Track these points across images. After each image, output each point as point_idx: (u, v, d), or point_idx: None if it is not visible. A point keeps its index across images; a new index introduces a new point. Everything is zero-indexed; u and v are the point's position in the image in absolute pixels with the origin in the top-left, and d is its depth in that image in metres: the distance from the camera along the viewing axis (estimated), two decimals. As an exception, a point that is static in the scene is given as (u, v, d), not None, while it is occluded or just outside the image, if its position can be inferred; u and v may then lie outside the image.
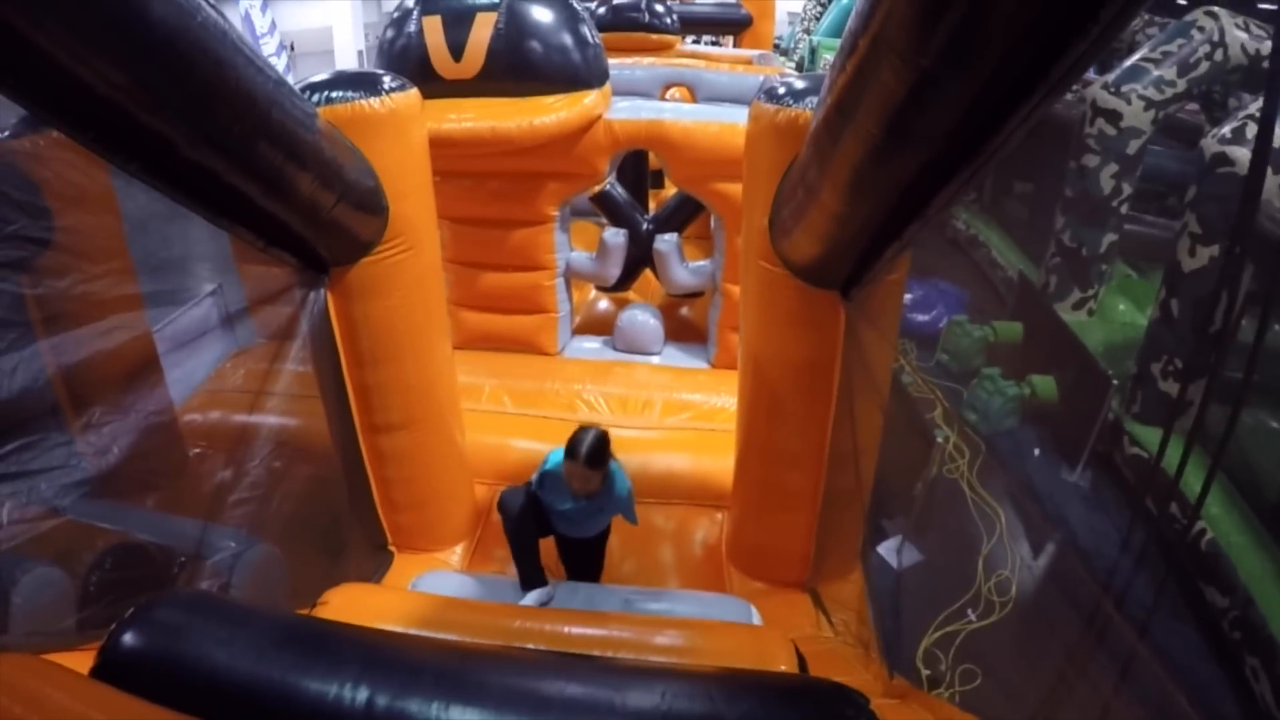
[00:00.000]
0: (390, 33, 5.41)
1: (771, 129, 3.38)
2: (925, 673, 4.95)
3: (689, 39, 12.58)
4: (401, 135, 3.66)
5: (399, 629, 2.80)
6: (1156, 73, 7.92)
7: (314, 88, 3.43)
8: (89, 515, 3.92)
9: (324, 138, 3.06)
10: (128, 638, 2.06)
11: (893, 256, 2.93)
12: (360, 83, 3.53)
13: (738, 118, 5.40)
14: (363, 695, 1.86)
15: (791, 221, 3.21)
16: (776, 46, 15.65)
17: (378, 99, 3.50)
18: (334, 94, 3.44)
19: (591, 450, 3.81)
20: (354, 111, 3.45)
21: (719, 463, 4.96)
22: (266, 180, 2.85)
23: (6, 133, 3.82)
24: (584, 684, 1.96)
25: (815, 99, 3.17)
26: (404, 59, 5.17)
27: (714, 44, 15.28)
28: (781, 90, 3.38)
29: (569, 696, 1.90)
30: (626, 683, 1.96)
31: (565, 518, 4.24)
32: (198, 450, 5.14)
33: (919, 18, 1.73)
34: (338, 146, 3.22)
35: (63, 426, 3.92)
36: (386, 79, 3.59)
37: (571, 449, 3.82)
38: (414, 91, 3.71)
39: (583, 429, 3.91)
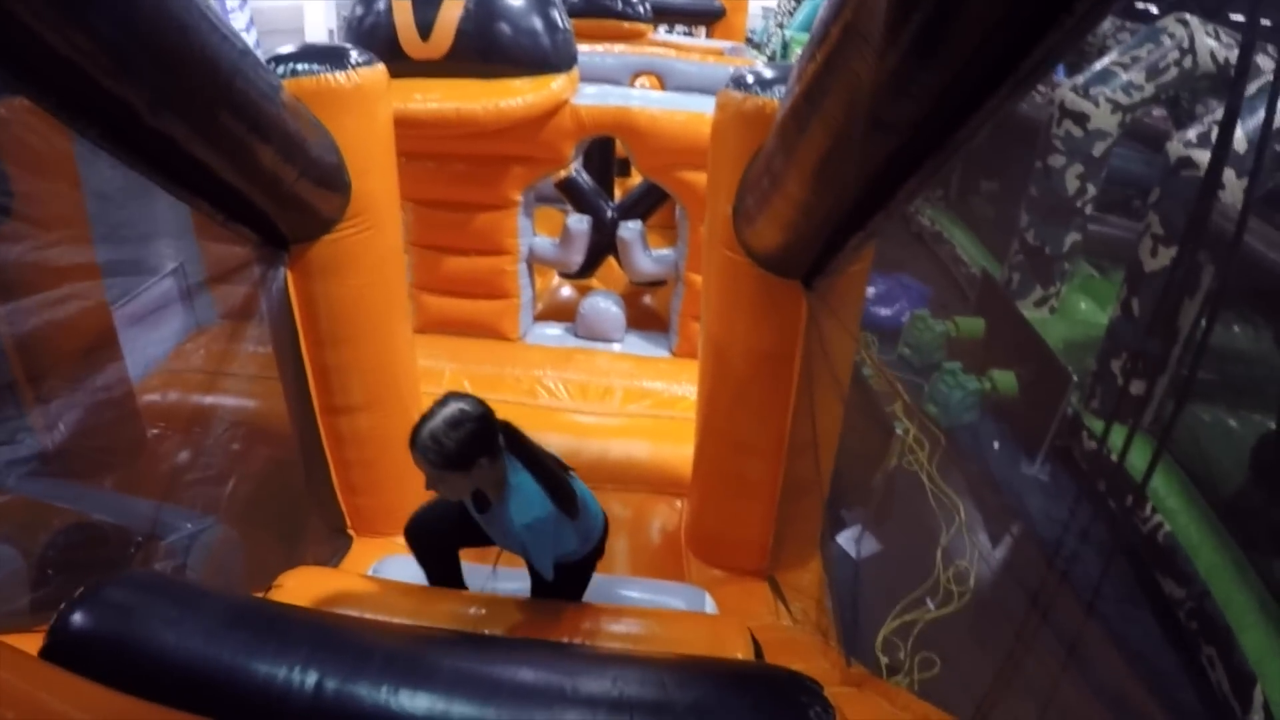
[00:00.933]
0: (359, 10, 5.35)
1: (738, 117, 3.36)
2: (884, 660, 4.99)
3: (661, 28, 12.51)
4: (367, 111, 3.61)
5: (354, 613, 2.78)
6: (1125, 77, 7.99)
7: (279, 60, 3.38)
8: (42, 493, 3.87)
9: (288, 110, 3.01)
10: (76, 618, 2.03)
11: (856, 247, 2.92)
12: (326, 56, 3.47)
13: (706, 107, 5.39)
14: (311, 678, 1.84)
15: (755, 210, 3.20)
16: (750, 40, 15.66)
17: (344, 73, 3.45)
18: (299, 66, 3.39)
19: (436, 436, 2.61)
20: (319, 85, 3.40)
21: (679, 451, 4.96)
22: (227, 151, 2.80)
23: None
24: (536, 669, 1.95)
25: (783, 88, 3.17)
26: (372, 37, 5.11)
27: (686, 34, 15.21)
28: (750, 79, 3.36)
29: (520, 681, 1.89)
30: (579, 668, 1.95)
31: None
32: (156, 430, 5.10)
33: (891, 7, 1.72)
34: (301, 120, 3.17)
35: (15, 400, 3.86)
36: (353, 53, 3.55)
37: (414, 427, 2.66)
38: (381, 67, 3.67)
39: (447, 396, 2.75)
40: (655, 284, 6.80)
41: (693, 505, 4.67)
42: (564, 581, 3.18)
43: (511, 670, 1.93)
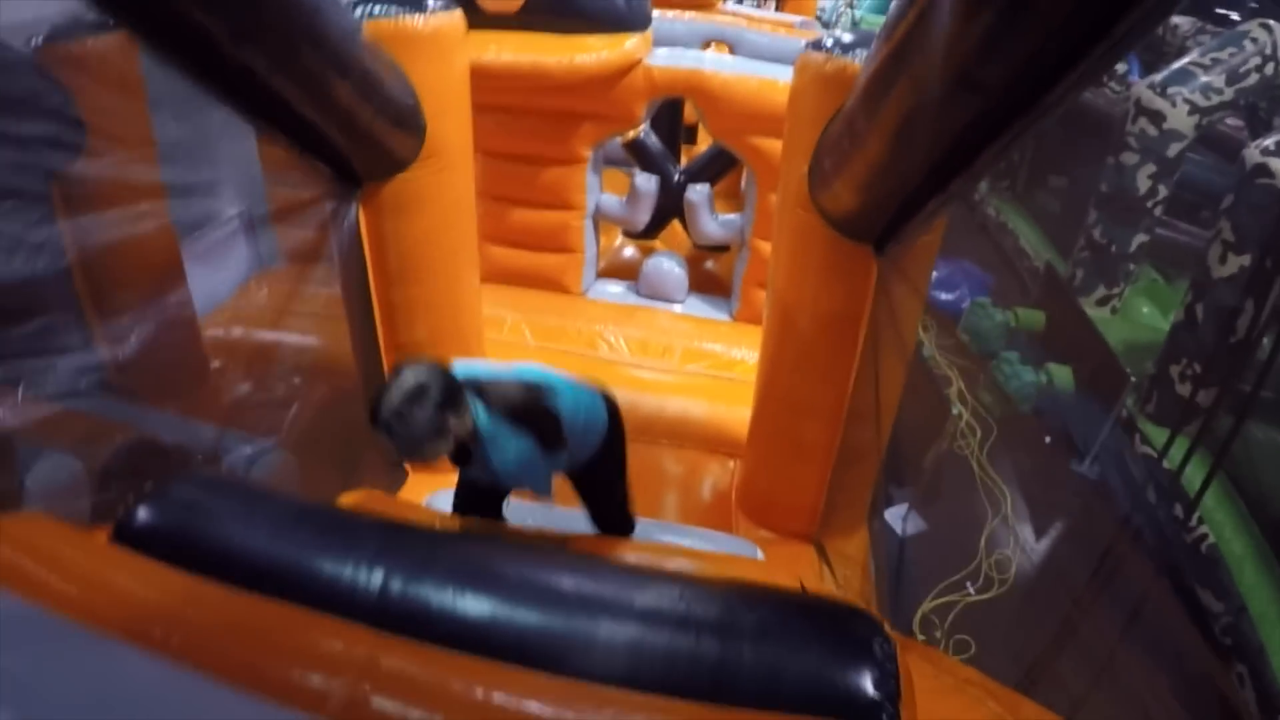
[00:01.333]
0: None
1: (819, 78, 3.35)
2: (920, 638, 4.98)
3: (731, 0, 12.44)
4: (443, 56, 3.65)
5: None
6: (1204, 79, 7.82)
7: (359, 1, 3.41)
8: (105, 410, 3.94)
9: (366, 50, 3.05)
10: (142, 512, 2.06)
11: (933, 211, 2.90)
12: (404, 0, 3.50)
13: (778, 74, 5.40)
14: (378, 577, 1.86)
15: (832, 171, 3.18)
16: (819, 18, 15.54)
17: (421, 17, 3.48)
18: (377, 9, 3.42)
19: (398, 414, 2.50)
20: (397, 28, 3.43)
21: (734, 412, 4.99)
22: (306, 86, 2.84)
23: (41, 38, 3.82)
24: (601, 582, 1.96)
25: (863, 52, 3.17)
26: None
27: (756, 7, 15.11)
28: (829, 42, 3.36)
29: (585, 593, 1.90)
30: (644, 584, 1.96)
31: None
32: (218, 364, 5.19)
33: None
34: (379, 61, 3.20)
35: (81, 317, 3.92)
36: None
37: (371, 405, 2.54)
38: (458, 13, 3.70)
39: (398, 367, 2.63)
40: (717, 249, 6.80)
41: (746, 465, 4.68)
42: (599, 488, 3.34)
43: (577, 581, 1.94)
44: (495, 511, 3.43)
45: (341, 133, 3.20)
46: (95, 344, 3.91)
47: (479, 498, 3.36)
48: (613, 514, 3.48)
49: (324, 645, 1.66)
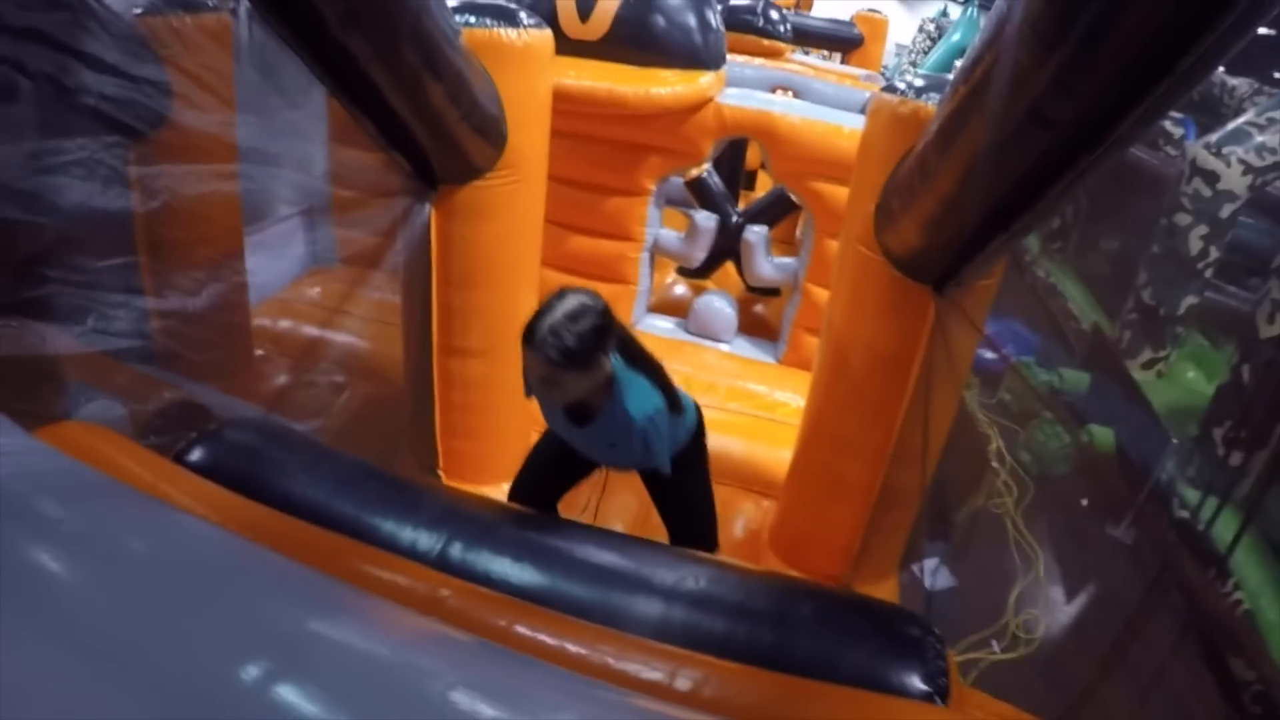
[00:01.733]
0: (524, -13, 5.56)
1: (893, 119, 3.43)
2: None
3: (798, 52, 12.60)
4: (531, 71, 3.77)
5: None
6: (1259, 139, 7.82)
7: (459, 10, 3.53)
8: (153, 372, 4.00)
9: (461, 56, 3.16)
10: (197, 454, 2.09)
11: (997, 250, 2.96)
12: (500, 13, 3.64)
13: (844, 121, 5.49)
14: (439, 541, 1.91)
15: (900, 210, 3.25)
16: (883, 74, 15.69)
17: (515, 31, 3.61)
18: (473, 19, 3.55)
19: (556, 330, 2.46)
20: (491, 38, 3.56)
21: (774, 452, 5.02)
22: (402, 80, 2.96)
23: (140, 9, 3.92)
24: (661, 565, 2.00)
25: (936, 95, 3.26)
26: (534, 11, 5.27)
27: (823, 60, 15.27)
28: (902, 85, 3.45)
29: (644, 574, 1.95)
30: (704, 573, 2.00)
31: (561, 434, 3.07)
32: (262, 352, 5.26)
33: (1060, 8, 1.84)
34: (472, 67, 3.31)
35: (136, 268, 3.94)
36: (524, 15, 3.70)
37: (527, 324, 2.54)
38: (548, 32, 3.83)
39: (562, 290, 2.60)
40: (769, 293, 6.87)
41: (783, 504, 4.71)
42: (685, 491, 3.31)
43: (637, 563, 1.99)
44: (551, 507, 3.40)
45: (427, 132, 3.31)
46: (146, 298, 3.91)
47: (542, 486, 3.38)
48: (695, 526, 3.41)
49: (392, 575, 1.69)
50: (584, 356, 2.51)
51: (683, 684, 1.58)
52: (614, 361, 2.69)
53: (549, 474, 3.41)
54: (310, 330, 5.60)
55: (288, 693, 1.04)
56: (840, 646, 1.77)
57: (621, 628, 1.78)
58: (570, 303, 2.53)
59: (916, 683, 1.70)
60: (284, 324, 5.69)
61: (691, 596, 1.88)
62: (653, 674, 1.59)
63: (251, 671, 1.06)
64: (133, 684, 1.07)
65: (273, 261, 6.18)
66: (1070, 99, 2.05)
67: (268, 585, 1.31)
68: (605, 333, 2.58)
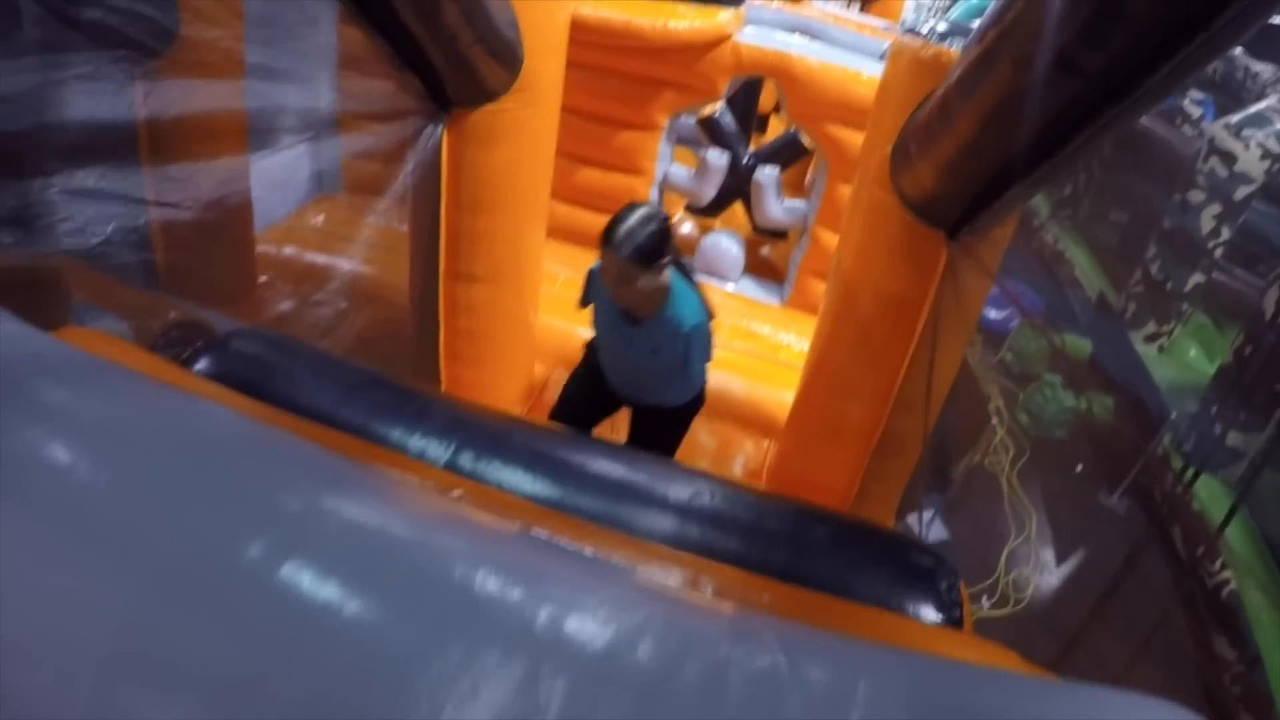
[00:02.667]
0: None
1: (914, 62, 3.38)
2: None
3: (818, -1, 12.46)
4: (549, -5, 3.71)
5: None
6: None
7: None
8: (158, 292, 3.97)
9: (477, -26, 3.12)
10: (203, 363, 2.06)
11: (1014, 198, 2.93)
12: (521, -64, 3.57)
13: (862, 66, 5.44)
14: (449, 449, 1.90)
15: (917, 153, 3.21)
16: (902, 24, 15.57)
17: (536, -47, 3.55)
18: (494, -60, 3.48)
19: (631, 232, 2.94)
20: (511, -40, 3.49)
21: (775, 393, 5.03)
22: (417, -1, 2.90)
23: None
24: (682, 484, 1.99)
25: (958, 40, 3.22)
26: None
27: (845, 7, 15.14)
28: (925, 30, 3.41)
29: (657, 490, 1.94)
30: (718, 491, 1.99)
31: (609, 350, 3.57)
32: (265, 279, 5.24)
33: None
34: (488, -13, 3.26)
35: (140, 183, 3.87)
36: (545, -61, 3.64)
37: (606, 228, 3.02)
38: (568, -44, 3.76)
39: (630, 204, 3.11)
40: (777, 236, 6.82)
41: (783, 445, 4.71)
42: (674, 431, 3.73)
43: (649, 477, 1.98)
44: (588, 428, 3.79)
45: (440, 52, 3.26)
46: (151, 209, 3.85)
47: (575, 414, 3.77)
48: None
49: (402, 475, 1.67)
50: (654, 256, 2.96)
51: (703, 590, 1.57)
52: (671, 273, 3.13)
53: (581, 400, 3.83)
54: (314, 257, 5.57)
55: (297, 571, 1.02)
56: (855, 570, 1.76)
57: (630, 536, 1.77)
58: (642, 211, 3.01)
59: (931, 611, 1.69)
60: (288, 250, 5.67)
61: (706, 512, 1.87)
62: (671, 580, 1.58)
63: (259, 550, 1.04)
64: (134, 566, 1.05)
65: (277, 189, 6.15)
66: (1102, 49, 2.02)
67: (281, 464, 1.28)
68: (668, 238, 3.04)
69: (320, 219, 6.23)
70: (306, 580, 1.02)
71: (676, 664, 1.03)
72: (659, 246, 2.98)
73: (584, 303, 3.53)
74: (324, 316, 4.73)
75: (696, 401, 3.70)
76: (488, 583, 1.06)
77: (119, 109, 3.56)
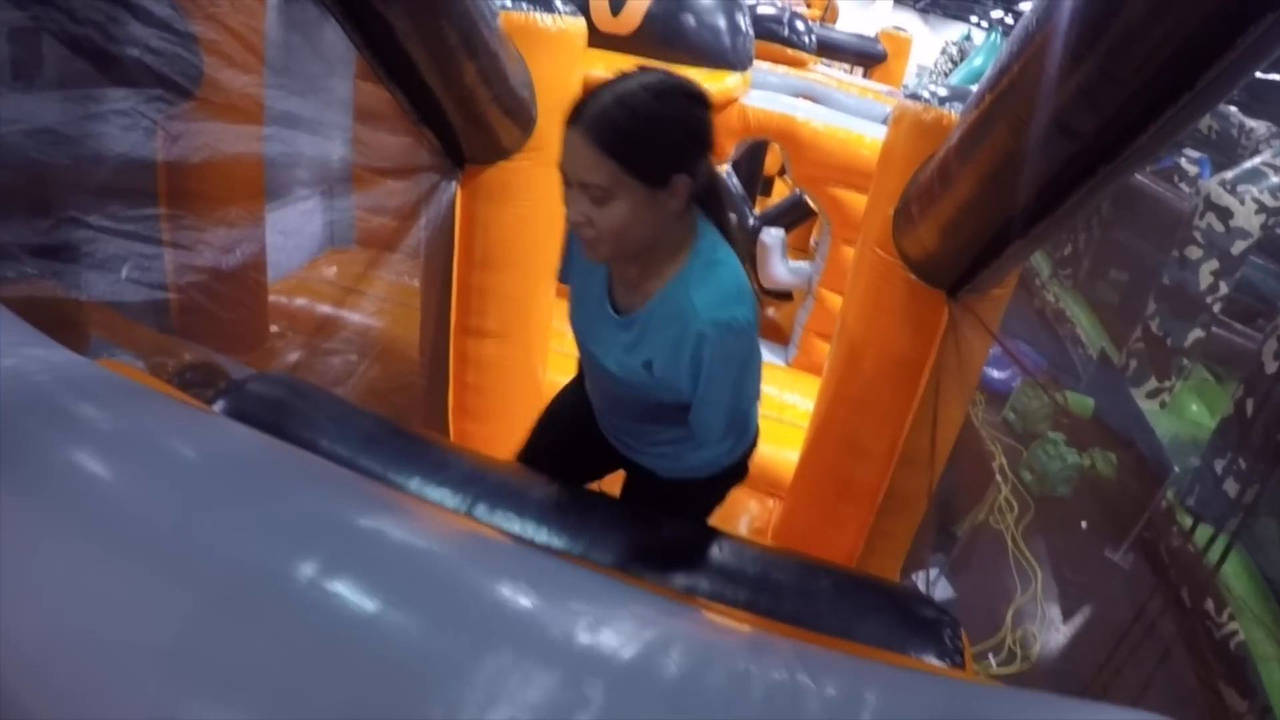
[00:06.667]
0: (556, -19, 5.61)
1: (916, 125, 3.48)
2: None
3: (822, 64, 12.69)
4: (564, 57, 3.83)
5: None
6: (1275, 179, 7.91)
7: (491, -7, 3.59)
8: (174, 333, 4.04)
9: (497, 38, 3.22)
10: (222, 405, 2.11)
11: (1013, 256, 3.00)
12: (536, 0, 3.70)
13: (866, 130, 5.54)
14: (465, 502, 1.94)
15: (919, 214, 3.29)
16: (904, 88, 15.79)
17: (550, 17, 3.67)
18: (510, 3, 3.61)
19: (626, 101, 1.71)
20: (527, 23, 3.62)
21: (780, 453, 5.03)
22: (437, 56, 3.00)
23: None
24: (680, 543, 2.04)
25: (958, 104, 3.31)
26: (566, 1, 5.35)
27: (846, 73, 15.37)
28: (926, 94, 3.50)
29: (668, 553, 1.98)
30: (725, 547, 2.04)
31: (586, 363, 2.23)
32: (277, 329, 5.31)
33: (1088, 22, 1.90)
34: (506, 50, 3.37)
35: (155, 224, 3.95)
36: (559, 2, 3.76)
37: (580, 98, 1.80)
38: (582, 21, 3.89)
39: (643, 69, 1.82)
40: (782, 297, 6.90)
41: (789, 504, 4.74)
42: (674, 506, 2.24)
43: (657, 538, 2.02)
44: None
45: (459, 109, 3.36)
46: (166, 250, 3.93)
47: (563, 452, 2.52)
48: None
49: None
50: (655, 157, 1.73)
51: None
52: (700, 222, 1.90)
53: (555, 444, 2.62)
54: (326, 309, 5.65)
55: (344, 585, 1.08)
56: (859, 617, 1.81)
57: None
58: (655, 75, 1.78)
59: (934, 658, 1.73)
60: (300, 302, 5.74)
61: (716, 567, 1.91)
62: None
63: (301, 564, 1.11)
64: (177, 578, 1.12)
65: (290, 241, 6.24)
66: (1094, 110, 2.10)
67: (314, 484, 1.36)
68: (699, 136, 1.80)
69: (333, 271, 6.31)
70: (353, 594, 1.09)
71: (701, 672, 1.09)
72: (671, 139, 1.75)
73: (563, 275, 2.20)
74: (334, 367, 4.80)
75: (726, 476, 2.43)
76: (524, 598, 1.14)
77: (146, 148, 3.64)
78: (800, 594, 1.85)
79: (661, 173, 1.74)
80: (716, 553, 1.98)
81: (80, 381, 1.42)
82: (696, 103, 1.79)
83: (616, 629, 1.10)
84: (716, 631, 1.24)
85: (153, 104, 3.50)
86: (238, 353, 4.68)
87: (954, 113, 3.34)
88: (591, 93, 1.76)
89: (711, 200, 1.96)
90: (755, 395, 2.25)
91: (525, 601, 1.12)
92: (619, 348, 1.97)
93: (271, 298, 5.48)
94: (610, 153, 1.70)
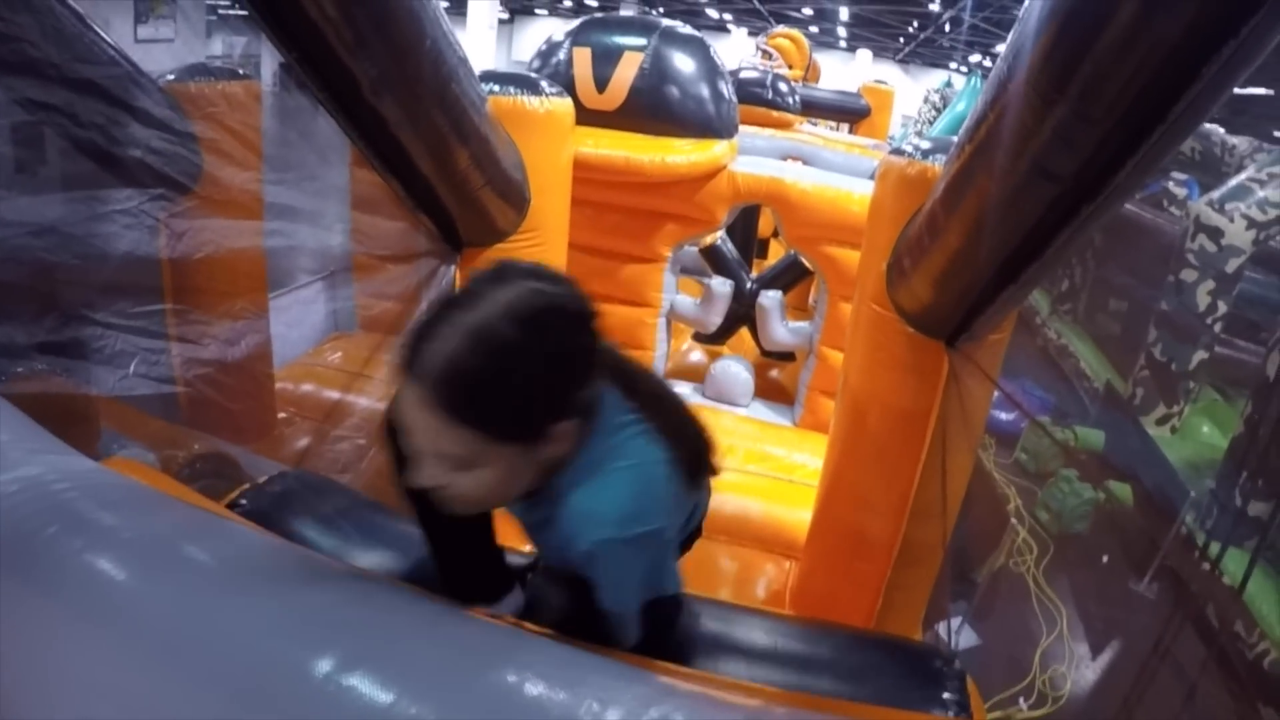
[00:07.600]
0: (537, 62, 5.80)
1: (901, 180, 3.54)
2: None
3: (806, 123, 12.85)
4: (553, 137, 3.93)
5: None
6: (1261, 194, 7.99)
7: (483, 79, 3.68)
8: (183, 423, 4.08)
9: (487, 122, 3.31)
10: (246, 503, 2.15)
11: (1007, 301, 3.04)
12: (523, 83, 3.81)
13: (854, 187, 5.62)
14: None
15: (910, 267, 3.34)
16: (888, 144, 16.00)
17: (537, 99, 3.77)
18: (496, 87, 3.72)
19: (481, 334, 1.30)
20: (515, 106, 3.72)
21: (793, 513, 5.08)
22: (430, 144, 3.09)
23: (173, 75, 4.06)
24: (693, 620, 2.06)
25: (942, 157, 3.36)
26: (551, 82, 5.45)
27: (832, 130, 15.55)
28: (910, 148, 3.56)
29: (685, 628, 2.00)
30: (732, 618, 2.06)
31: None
32: (284, 415, 5.35)
33: (1057, 66, 1.95)
34: (497, 134, 3.46)
35: (161, 319, 4.01)
36: (545, 84, 3.87)
37: (417, 325, 1.35)
38: (569, 101, 3.99)
39: (501, 265, 1.46)
40: (784, 358, 6.95)
41: (804, 564, 4.75)
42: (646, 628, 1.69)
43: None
44: (476, 536, 1.82)
45: (453, 195, 3.44)
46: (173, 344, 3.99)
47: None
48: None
49: None
50: (525, 408, 1.38)
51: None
52: (607, 404, 1.55)
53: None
54: (333, 394, 5.69)
55: (361, 680, 1.12)
56: (859, 679, 1.82)
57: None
58: (519, 291, 1.37)
59: (937, 713, 1.74)
60: (306, 387, 5.79)
61: (737, 650, 1.93)
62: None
63: (318, 660, 1.14)
64: (200, 676, 1.17)
65: (294, 328, 6.31)
66: (1071, 151, 2.15)
67: (325, 583, 1.41)
68: (582, 371, 1.47)
69: (337, 356, 6.37)
70: (369, 687, 1.12)
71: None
72: (556, 388, 1.41)
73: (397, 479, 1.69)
74: (344, 452, 4.82)
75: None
76: (534, 685, 1.17)
77: (150, 245, 3.72)
78: (800, 660, 1.87)
79: (537, 427, 1.39)
80: (719, 627, 2.00)
81: (99, 490, 1.48)
82: (577, 325, 1.46)
83: (623, 710, 1.12)
84: (717, 709, 1.27)
85: (155, 203, 3.59)
86: (246, 441, 4.72)
87: (937, 165, 3.40)
88: (430, 320, 1.33)
89: (618, 382, 1.61)
90: (671, 581, 1.75)
91: (538, 690, 1.15)
92: (530, 521, 1.69)
93: (278, 384, 5.54)
94: (463, 419, 1.31)
